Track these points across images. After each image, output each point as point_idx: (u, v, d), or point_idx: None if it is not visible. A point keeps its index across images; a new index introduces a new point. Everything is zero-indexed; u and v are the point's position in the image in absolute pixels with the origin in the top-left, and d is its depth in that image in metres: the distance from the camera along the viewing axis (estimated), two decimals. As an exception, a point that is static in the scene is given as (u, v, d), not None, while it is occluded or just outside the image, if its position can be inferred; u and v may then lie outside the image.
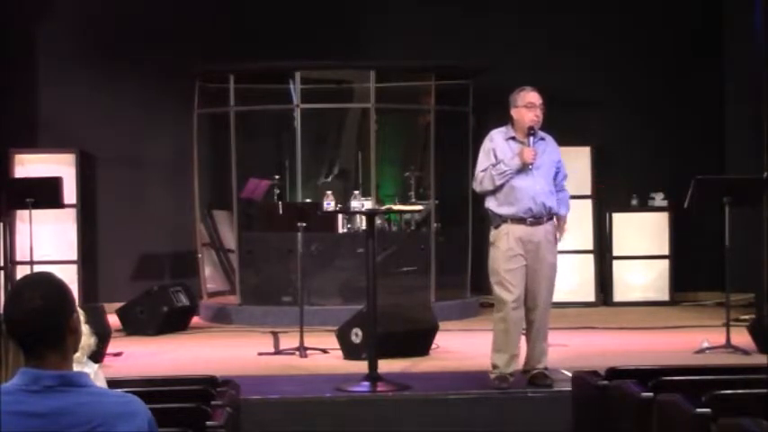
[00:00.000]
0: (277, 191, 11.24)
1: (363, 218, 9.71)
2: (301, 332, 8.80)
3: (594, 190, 11.99)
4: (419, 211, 10.77)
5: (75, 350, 2.80)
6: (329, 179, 11.50)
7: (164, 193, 12.02)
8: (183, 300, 10.55)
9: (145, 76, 11.76)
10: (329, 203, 10.34)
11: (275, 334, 9.82)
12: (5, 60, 11.64)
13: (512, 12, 12.05)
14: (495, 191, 7.11)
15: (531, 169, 7.07)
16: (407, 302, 9.63)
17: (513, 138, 7.19)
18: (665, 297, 11.96)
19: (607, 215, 12.07)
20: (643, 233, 12.06)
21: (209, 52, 11.54)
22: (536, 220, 7.08)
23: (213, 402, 5.00)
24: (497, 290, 7.10)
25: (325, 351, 8.74)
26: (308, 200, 10.68)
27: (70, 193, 10.76)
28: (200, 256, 11.52)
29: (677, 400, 4.76)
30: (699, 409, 4.49)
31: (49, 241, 11.17)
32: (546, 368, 7.21)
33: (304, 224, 8.99)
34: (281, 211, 9.89)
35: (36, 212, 9.10)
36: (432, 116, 11.24)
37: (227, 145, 11.17)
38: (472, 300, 11.28)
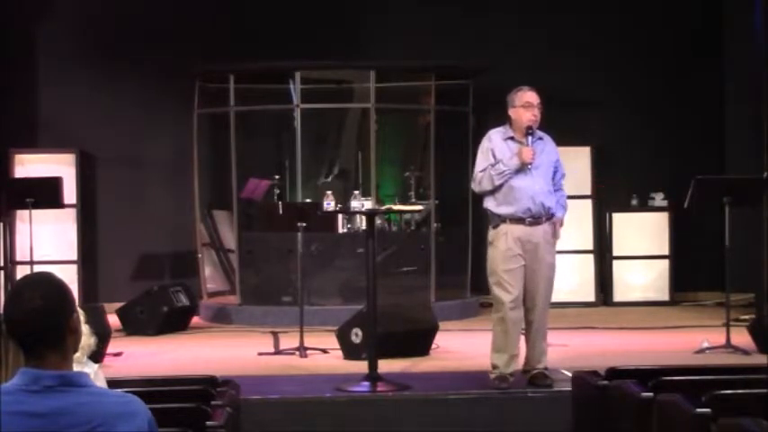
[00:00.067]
0: (277, 191, 11.24)
1: (363, 218, 9.71)
2: (301, 332, 8.80)
3: (594, 190, 11.99)
4: (419, 211, 10.77)
5: (76, 350, 2.80)
6: (329, 179, 11.49)
7: (164, 193, 12.02)
8: (183, 300, 10.55)
9: (145, 76, 11.76)
10: (329, 203, 10.34)
11: (275, 334, 9.82)
12: (5, 60, 11.65)
13: (512, 12, 12.05)
14: (494, 191, 7.11)
15: (529, 169, 7.07)
16: (407, 302, 9.63)
17: (511, 138, 7.19)
18: (665, 297, 11.96)
19: (607, 215, 12.07)
20: (643, 233, 12.06)
21: (209, 52, 11.54)
22: (535, 220, 7.08)
23: (213, 402, 5.00)
24: (496, 290, 7.10)
25: (325, 351, 8.74)
26: (308, 200, 10.68)
27: (70, 193, 10.76)
28: (200, 256, 11.52)
29: (677, 400, 4.76)
30: (699, 409, 4.49)
31: (49, 241, 11.17)
32: (546, 368, 7.21)
33: (304, 224, 8.99)
34: (281, 211, 9.88)
35: (36, 212, 9.10)
36: (432, 116, 11.24)
37: (227, 145, 11.17)
38: (472, 300, 11.28)
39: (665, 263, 12.01)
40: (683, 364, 6.57)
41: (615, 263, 12.04)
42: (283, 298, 10.70)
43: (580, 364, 7.37)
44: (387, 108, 11.30)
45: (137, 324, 10.19)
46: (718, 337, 8.57)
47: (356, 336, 8.49)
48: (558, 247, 7.34)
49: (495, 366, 7.13)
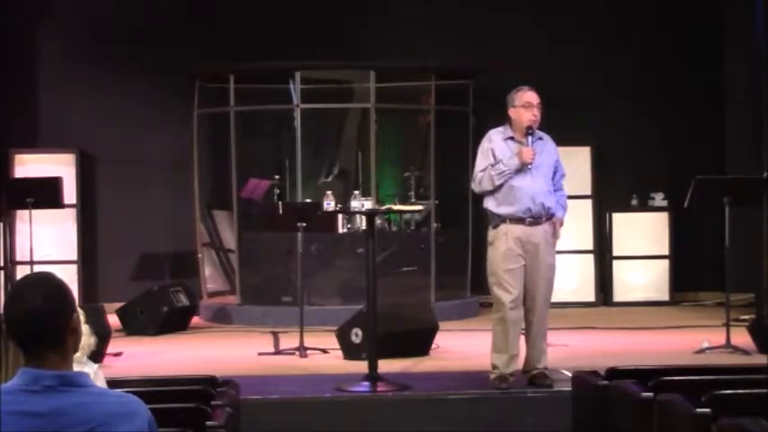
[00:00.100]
0: (277, 191, 11.24)
1: (363, 218, 9.71)
2: (301, 332, 8.80)
3: (594, 190, 12.00)
4: (419, 211, 10.77)
5: (76, 350, 2.79)
6: (329, 179, 11.49)
7: (164, 193, 12.02)
8: (183, 300, 10.55)
9: (145, 76, 11.76)
10: (329, 203, 10.34)
11: (275, 334, 9.82)
12: (5, 60, 11.64)
13: (512, 12, 12.05)
14: (494, 191, 7.11)
15: (529, 169, 7.07)
16: (407, 302, 9.63)
17: (511, 138, 7.19)
18: (665, 297, 11.96)
19: (607, 215, 12.07)
20: (643, 233, 12.06)
21: (209, 52, 11.53)
22: (535, 220, 7.08)
23: (213, 402, 5.01)
24: (496, 290, 7.10)
25: (325, 351, 8.74)
26: (308, 200, 10.67)
27: (70, 193, 10.76)
28: (200, 256, 11.52)
29: (677, 400, 4.76)
30: (699, 409, 4.49)
31: (49, 241, 11.18)
32: (546, 368, 7.21)
33: (304, 224, 8.99)
34: (281, 211, 9.89)
35: (36, 212, 9.10)
36: (432, 116, 11.24)
37: (227, 145, 11.17)
38: (472, 300, 11.28)
39: (665, 263, 12.01)
40: (683, 364, 6.57)
41: (615, 263, 12.04)
42: (283, 298, 10.70)
43: (580, 364, 7.37)
44: (387, 108, 11.30)
45: (137, 324, 10.19)
46: (718, 337, 8.57)
47: (356, 336, 8.49)
48: (558, 247, 7.34)
49: (495, 366, 7.13)
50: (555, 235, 7.18)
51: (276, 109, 11.48)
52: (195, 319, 10.89)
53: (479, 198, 7.39)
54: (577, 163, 11.62)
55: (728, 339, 8.48)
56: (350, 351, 8.51)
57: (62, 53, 11.87)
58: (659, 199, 12.05)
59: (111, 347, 8.42)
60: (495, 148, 7.15)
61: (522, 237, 7.05)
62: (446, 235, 11.24)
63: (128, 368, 8.10)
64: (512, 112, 7.20)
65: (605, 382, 5.69)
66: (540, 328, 7.17)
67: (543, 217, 7.10)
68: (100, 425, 2.65)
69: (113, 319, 9.64)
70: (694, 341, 8.68)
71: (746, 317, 9.58)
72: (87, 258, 11.79)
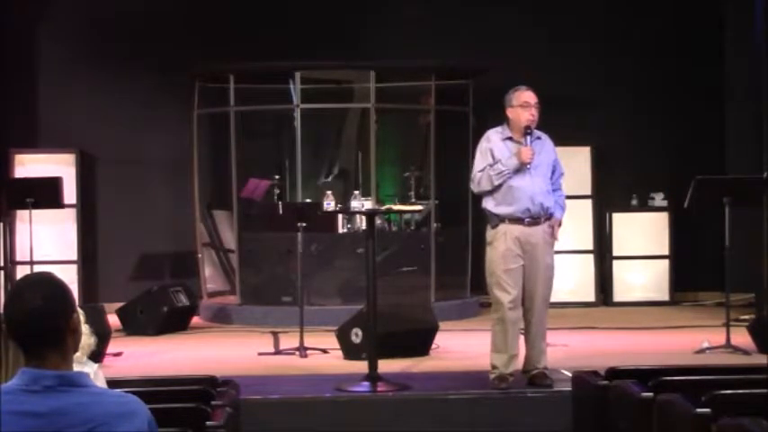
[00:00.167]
0: (277, 191, 11.24)
1: (363, 218, 9.71)
2: (301, 332, 8.80)
3: (594, 190, 11.99)
4: (419, 211, 10.76)
5: (76, 350, 2.79)
6: (329, 179, 11.49)
7: (164, 193, 12.02)
8: (183, 300, 10.54)
9: (145, 76, 11.76)
10: (329, 203, 10.34)
11: (275, 334, 9.82)
12: (5, 60, 11.64)
13: (512, 12, 12.05)
14: (493, 191, 7.11)
15: (528, 169, 7.07)
16: (407, 302, 9.63)
17: (509, 138, 7.18)
18: (665, 297, 11.96)
19: (607, 215, 12.07)
20: (643, 233, 12.06)
21: (209, 52, 11.53)
22: (534, 220, 7.08)
23: (213, 402, 5.01)
24: (495, 290, 7.10)
25: (325, 351, 8.74)
26: (308, 200, 10.67)
27: (70, 193, 10.76)
28: (200, 256, 11.52)
29: (677, 400, 4.76)
30: (699, 409, 4.49)
31: (49, 241, 11.17)
32: (546, 368, 7.21)
33: (304, 224, 8.99)
34: (281, 211, 9.89)
35: (36, 212, 9.10)
36: (432, 116, 11.24)
37: (227, 145, 11.17)
38: (472, 300, 11.28)
39: (665, 263, 12.01)
40: (683, 364, 6.57)
41: (615, 263, 12.04)
42: (283, 298, 10.69)
43: (580, 364, 7.37)
44: (387, 108, 11.30)
45: (137, 324, 10.19)
46: (718, 337, 8.57)
47: (356, 336, 8.49)
48: (558, 247, 7.34)
49: (494, 367, 7.13)
50: (553, 235, 7.17)
51: (276, 109, 11.48)
52: (195, 319, 10.89)
53: (479, 198, 7.38)
54: (577, 163, 11.63)
55: (728, 339, 8.48)
56: (350, 351, 8.51)
57: (62, 53, 11.87)
58: (659, 199, 12.05)
59: (111, 347, 8.42)
60: (494, 149, 7.15)
61: (520, 237, 7.05)
62: (446, 235, 11.23)
63: (128, 368, 8.10)
64: (509, 112, 7.20)
65: (605, 382, 5.69)
66: (539, 328, 7.17)
67: (542, 217, 7.10)
68: (100, 425, 2.65)
69: (113, 319, 9.64)
70: (694, 341, 8.68)
71: (746, 317, 9.58)
72: (87, 258, 11.79)
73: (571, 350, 8.71)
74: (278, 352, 8.92)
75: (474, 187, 7.24)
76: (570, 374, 6.82)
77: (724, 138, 12.03)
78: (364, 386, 7.17)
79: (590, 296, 12.00)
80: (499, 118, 7.37)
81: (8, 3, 11.67)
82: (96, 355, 5.15)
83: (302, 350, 8.67)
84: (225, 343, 9.75)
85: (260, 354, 8.80)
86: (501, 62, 10.97)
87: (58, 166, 11.27)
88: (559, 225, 7.24)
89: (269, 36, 11.66)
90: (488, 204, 7.17)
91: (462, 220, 11.31)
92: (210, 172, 11.80)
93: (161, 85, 11.74)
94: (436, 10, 11.97)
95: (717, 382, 4.99)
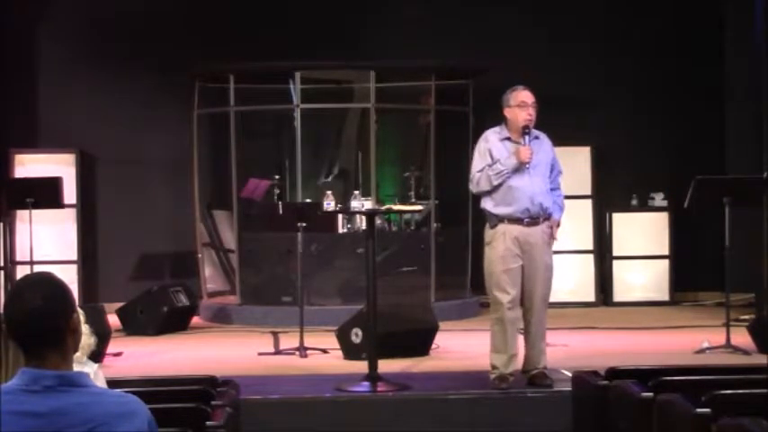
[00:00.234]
0: (277, 191, 11.24)
1: (363, 218, 9.71)
2: (301, 332, 8.80)
3: (594, 190, 12.00)
4: (419, 211, 10.77)
5: (76, 350, 2.79)
6: (329, 179, 11.49)
7: (164, 193, 12.02)
8: (183, 300, 10.55)
9: (145, 76, 11.76)
10: (329, 203, 10.34)
11: (275, 334, 9.82)
12: (6, 60, 11.64)
13: (512, 12, 12.05)
14: (492, 191, 7.11)
15: (527, 168, 7.07)
16: (407, 302, 9.63)
17: (507, 138, 7.18)
18: (665, 297, 11.96)
19: (607, 215, 12.07)
20: (643, 233, 12.06)
21: (209, 52, 11.53)
22: (533, 220, 7.08)
23: (213, 402, 5.01)
24: (493, 290, 7.10)
25: (325, 351, 8.74)
26: (308, 200, 10.67)
27: (70, 193, 10.76)
28: (200, 256, 11.52)
29: (677, 400, 4.76)
30: (699, 409, 4.49)
31: (49, 241, 11.17)
32: (545, 368, 7.21)
33: (304, 224, 8.99)
34: (281, 211, 9.89)
35: (36, 212, 9.09)
36: (432, 116, 11.24)
37: (227, 145, 11.17)
38: (472, 300, 11.28)
39: (665, 263, 12.01)
40: (683, 364, 6.57)
41: (615, 263, 12.03)
42: (283, 298, 10.69)
43: (580, 364, 7.37)
44: (387, 108, 11.30)
45: (137, 324, 10.19)
46: (718, 337, 8.57)
47: (356, 336, 8.49)
48: (558, 246, 7.35)
49: (494, 367, 7.13)
50: (552, 236, 7.17)
51: (276, 109, 11.48)
52: (195, 319, 10.89)
53: (478, 198, 7.38)
54: (577, 163, 11.63)
55: (728, 339, 8.48)
56: (350, 351, 8.51)
57: (62, 53, 11.87)
58: (659, 199, 12.05)
59: (111, 347, 8.42)
60: (493, 149, 7.15)
61: (519, 237, 7.05)
62: (446, 235, 11.23)
63: (128, 368, 8.10)
64: (507, 112, 7.20)
65: (605, 382, 5.69)
66: (538, 328, 7.17)
67: (541, 217, 7.10)
68: (100, 425, 2.65)
69: (113, 319, 9.64)
70: (694, 341, 8.68)
71: (746, 317, 9.58)
72: (87, 258, 11.79)
73: (571, 350, 8.71)
74: (278, 352, 8.92)
75: (473, 188, 7.24)
76: (570, 374, 6.82)
77: (724, 138, 12.03)
78: (364, 386, 7.17)
79: (590, 296, 12.00)
80: (499, 118, 7.37)
81: (8, 3, 11.67)
82: (96, 355, 5.15)
83: (302, 350, 8.67)
84: (225, 343, 9.75)
85: (260, 354, 8.80)
86: (501, 62, 10.97)
87: (58, 166, 11.27)
88: (558, 226, 7.24)
89: (269, 36, 11.66)
90: (487, 204, 7.16)
91: (462, 220, 11.31)
92: (210, 172, 11.80)
93: (161, 85, 11.74)
94: (436, 10, 11.97)
95: (717, 382, 4.99)
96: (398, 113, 11.89)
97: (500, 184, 7.07)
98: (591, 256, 12.03)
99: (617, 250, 12.04)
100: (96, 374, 4.38)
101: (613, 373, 5.73)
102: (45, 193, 9.00)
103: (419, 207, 10.66)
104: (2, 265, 10.28)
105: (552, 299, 7.38)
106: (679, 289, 11.99)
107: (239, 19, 11.83)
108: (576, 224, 11.46)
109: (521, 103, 7.14)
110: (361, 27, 12.04)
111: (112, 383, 4.56)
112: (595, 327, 10.30)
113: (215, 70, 11.35)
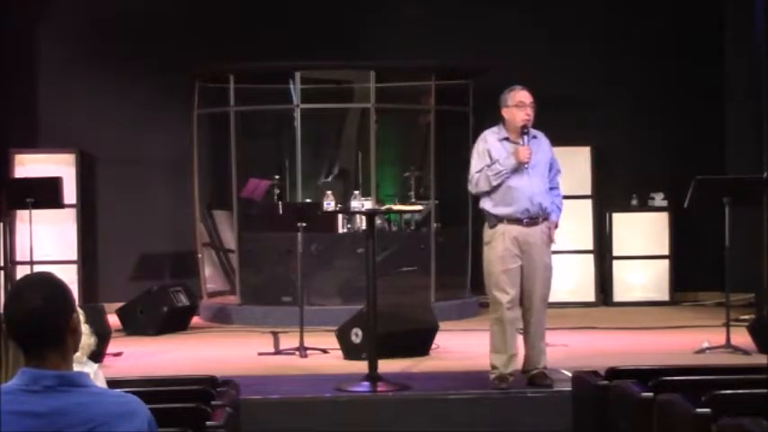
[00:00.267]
0: (277, 191, 11.24)
1: (363, 218, 9.71)
2: (301, 332, 8.80)
3: (594, 190, 11.99)
4: (419, 211, 10.77)
5: (76, 350, 2.79)
6: (329, 179, 11.49)
7: (164, 193, 12.02)
8: (183, 300, 10.55)
9: (145, 76, 11.75)
10: (329, 203, 10.34)
11: (275, 334, 9.82)
12: (5, 60, 11.64)
13: (512, 12, 12.05)
14: (491, 191, 7.11)
15: (526, 168, 7.07)
16: (407, 302, 9.63)
17: (506, 138, 7.18)
18: (665, 297, 11.96)
19: (607, 215, 12.07)
20: (643, 233, 12.06)
21: (209, 52, 11.53)
22: (532, 220, 7.08)
23: (213, 402, 5.01)
24: (493, 291, 7.10)
25: (325, 351, 8.74)
26: (308, 200, 10.67)
27: (70, 193, 10.76)
28: (200, 256, 11.52)
29: (677, 400, 4.76)
30: (699, 409, 4.49)
31: (49, 241, 11.17)
32: (545, 368, 7.21)
33: (304, 224, 8.99)
34: (281, 211, 9.89)
35: (36, 212, 9.09)
36: (432, 116, 11.24)
37: (227, 145, 11.17)
38: (472, 300, 11.28)
39: (665, 263, 12.00)
40: (683, 364, 6.57)
41: (615, 263, 12.03)
42: (283, 298, 10.69)
43: (580, 364, 7.37)
44: (387, 108, 11.30)
45: (137, 324, 10.19)
46: (718, 337, 8.57)
47: (356, 336, 8.49)
48: (558, 246, 7.35)
49: (494, 367, 7.13)
50: (550, 237, 7.17)
51: (276, 109, 11.48)
52: (195, 319, 10.89)
53: (478, 198, 7.38)
54: (577, 163, 11.63)
55: (728, 339, 8.48)
56: (350, 351, 8.51)
57: (62, 53, 11.88)
58: (659, 199, 12.05)
59: (111, 347, 8.42)
60: (491, 149, 7.15)
61: (518, 237, 7.05)
62: (446, 235, 11.23)
63: (128, 368, 8.10)
64: (505, 113, 7.20)
65: (605, 382, 5.69)
66: (538, 328, 7.17)
67: (540, 217, 7.10)
68: (100, 425, 2.65)
69: (113, 319, 9.64)
70: (694, 341, 8.68)
71: (746, 317, 9.58)
72: (87, 258, 11.79)
73: (571, 350, 8.71)
74: (278, 352, 8.92)
75: (472, 188, 7.24)
76: (570, 374, 6.82)
77: (724, 138, 12.03)
78: (364, 386, 7.17)
79: (590, 296, 12.00)
80: (498, 118, 7.37)
81: (8, 3, 11.67)
82: (96, 355, 5.15)
83: (302, 350, 8.67)
84: (225, 343, 9.75)
85: (260, 354, 8.80)
86: (501, 62, 10.97)
87: (58, 166, 11.27)
88: (556, 227, 7.23)
89: (269, 36, 11.66)
90: (486, 205, 7.16)
91: (462, 220, 11.31)
92: (210, 172, 11.80)
93: (161, 85, 11.74)
94: (436, 10, 11.97)
95: (717, 382, 4.99)
96: (398, 113, 11.89)
97: (499, 185, 7.07)
98: (591, 256, 12.03)
99: (617, 250, 12.04)
100: (96, 374, 4.38)
101: (613, 373, 5.73)
102: (45, 193, 9.00)
103: (419, 207, 10.66)
104: (2, 265, 10.28)
105: (552, 299, 7.38)
106: (679, 289, 11.99)
107: (239, 19, 11.83)
108: (576, 224, 11.46)
109: (518, 103, 7.14)
110: (361, 27, 12.04)
111: (112, 383, 4.56)
112: (595, 327, 10.30)
113: (215, 70, 11.35)
